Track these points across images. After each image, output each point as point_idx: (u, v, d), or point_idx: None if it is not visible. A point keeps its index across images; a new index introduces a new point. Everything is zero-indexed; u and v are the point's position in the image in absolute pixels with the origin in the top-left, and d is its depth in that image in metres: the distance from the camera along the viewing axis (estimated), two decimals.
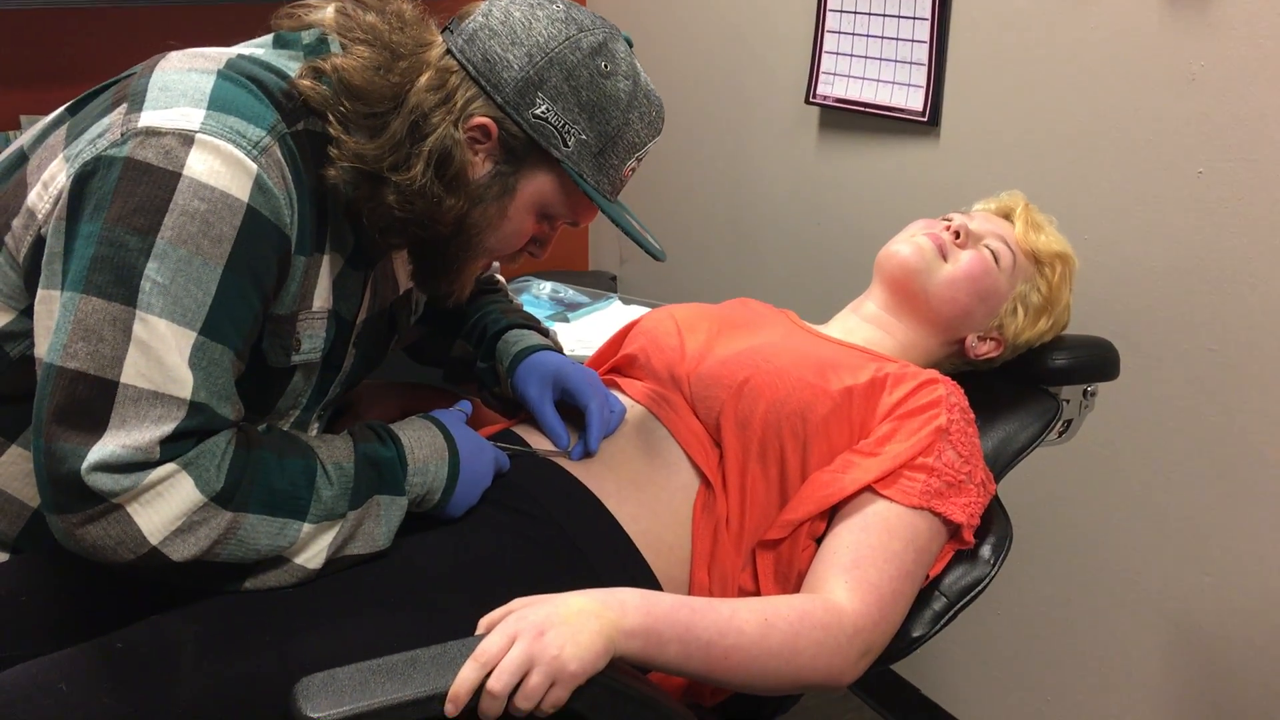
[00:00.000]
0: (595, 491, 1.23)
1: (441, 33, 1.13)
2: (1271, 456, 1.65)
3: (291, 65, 1.09)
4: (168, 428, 0.97)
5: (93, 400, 0.96)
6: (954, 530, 1.27)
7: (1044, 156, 1.86)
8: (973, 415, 1.34)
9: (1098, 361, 1.53)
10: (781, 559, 1.26)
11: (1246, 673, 1.72)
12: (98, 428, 0.96)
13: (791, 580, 1.26)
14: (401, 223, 1.11)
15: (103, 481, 0.95)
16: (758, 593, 1.25)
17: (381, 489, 1.11)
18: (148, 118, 1.00)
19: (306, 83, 1.07)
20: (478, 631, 1.00)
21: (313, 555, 1.06)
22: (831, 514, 1.26)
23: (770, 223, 2.47)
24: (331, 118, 1.06)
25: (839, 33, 2.17)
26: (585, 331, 2.03)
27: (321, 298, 1.13)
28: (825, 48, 2.20)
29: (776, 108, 2.37)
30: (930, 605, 1.27)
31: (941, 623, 1.26)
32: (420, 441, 1.15)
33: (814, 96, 2.24)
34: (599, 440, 1.27)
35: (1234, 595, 1.72)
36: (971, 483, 1.27)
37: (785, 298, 1.69)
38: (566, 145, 1.11)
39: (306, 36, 1.12)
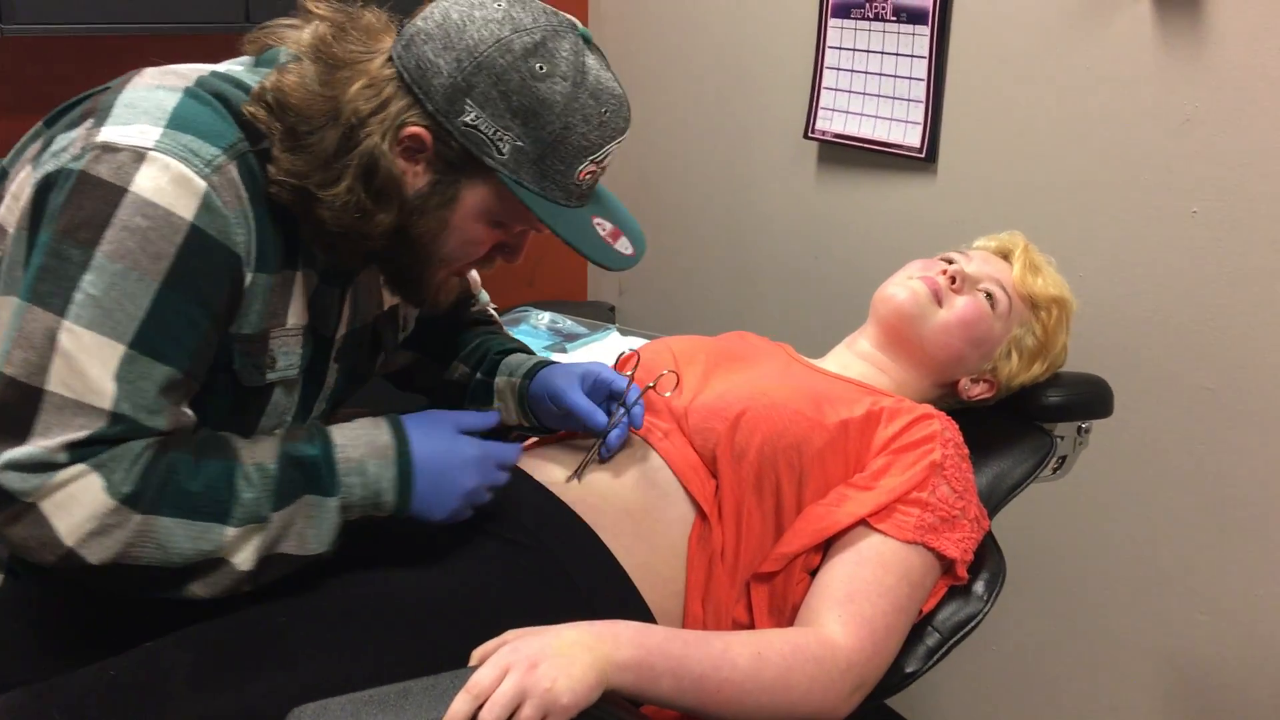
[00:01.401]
0: (590, 522, 1.23)
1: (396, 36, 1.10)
2: (1266, 495, 1.65)
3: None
4: (82, 434, 0.99)
5: (20, 405, 0.98)
6: (948, 565, 1.27)
7: (1040, 194, 1.87)
8: (967, 451, 1.35)
9: (1091, 399, 1.54)
10: (776, 592, 1.26)
11: (1241, 712, 1.72)
12: (21, 432, 0.98)
13: (786, 613, 1.26)
14: (337, 238, 1.09)
15: (11, 480, 0.97)
16: (752, 626, 1.25)
17: (309, 489, 1.08)
18: (107, 133, 1.01)
19: (250, 109, 1.06)
20: (470, 663, 0.99)
21: (243, 558, 1.05)
22: (826, 547, 1.26)
23: (769, 256, 2.48)
24: (274, 139, 1.05)
25: (838, 69, 2.19)
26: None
27: (296, 314, 1.13)
28: (824, 84, 2.22)
29: (776, 142, 2.39)
30: (924, 640, 1.27)
31: (935, 658, 1.26)
32: (357, 440, 1.11)
33: (813, 132, 2.26)
34: (642, 417, 1.27)
35: (1229, 634, 1.72)
36: (965, 518, 1.28)
37: (783, 331, 1.70)
38: (501, 153, 1.06)
39: (283, 55, 1.11)
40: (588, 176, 1.10)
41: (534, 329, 2.21)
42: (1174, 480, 1.75)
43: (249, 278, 1.06)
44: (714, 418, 1.29)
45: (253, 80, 1.09)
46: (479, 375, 1.41)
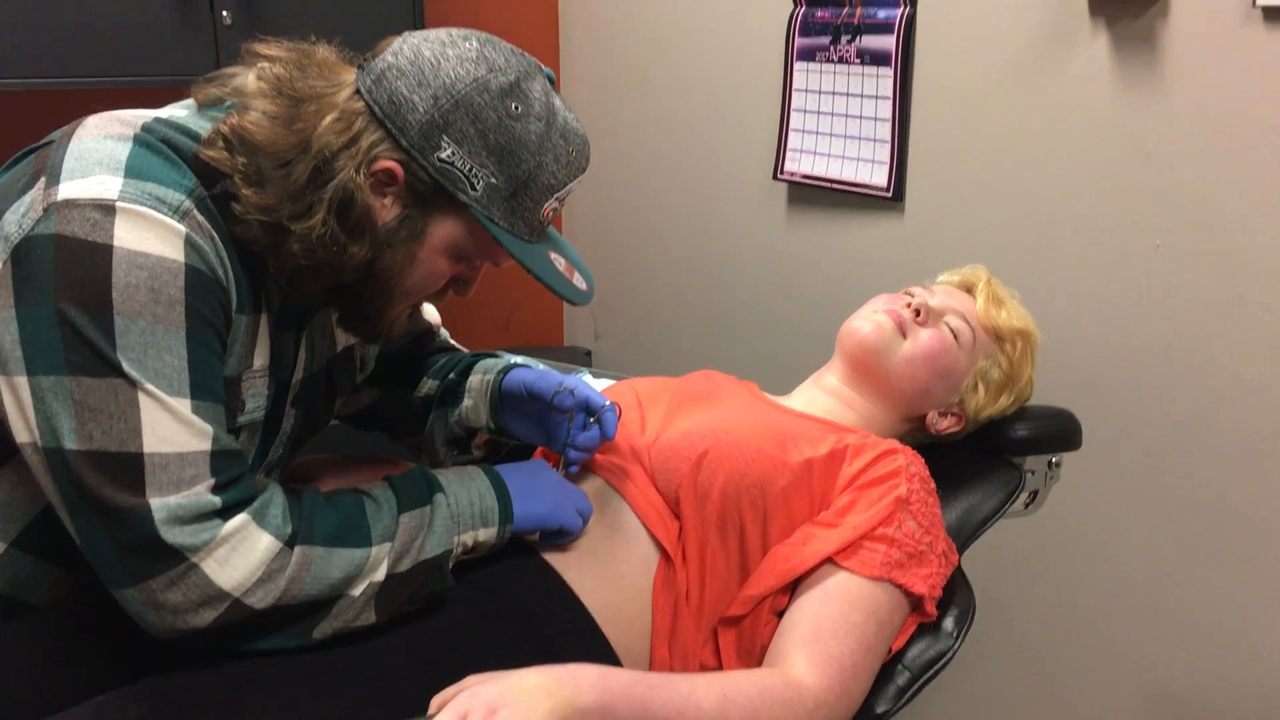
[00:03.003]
0: (554, 564, 1.22)
1: (358, 70, 1.10)
2: (1236, 526, 1.65)
3: (207, 128, 1.09)
4: (208, 480, 1.00)
5: (123, 473, 0.97)
6: (916, 602, 1.26)
7: (1005, 230, 1.89)
8: (933, 485, 1.34)
9: (1059, 432, 1.54)
10: (744, 635, 1.25)
11: None
12: (139, 495, 0.97)
13: (755, 656, 1.24)
14: (307, 271, 1.09)
15: (179, 536, 0.97)
16: (720, 669, 1.24)
17: (421, 498, 1.13)
18: (66, 189, 0.99)
19: (209, 152, 1.06)
20: (430, 710, 0.98)
21: (376, 573, 1.08)
22: (793, 587, 1.25)
23: (741, 296, 2.49)
24: (236, 178, 1.05)
25: (804, 111, 2.21)
26: None
27: (261, 357, 1.13)
28: (792, 125, 2.24)
29: (745, 184, 2.41)
30: (894, 680, 1.25)
31: (906, 697, 1.24)
32: (444, 471, 1.19)
33: (781, 173, 2.28)
34: (615, 427, 1.29)
35: (1209, 668, 1.71)
36: (933, 553, 1.27)
37: (755, 369, 1.70)
38: (474, 189, 1.07)
39: (230, 99, 1.10)
40: (550, 213, 1.13)
41: None
42: (1145, 513, 1.75)
43: (233, 314, 1.07)
44: (676, 457, 1.29)
45: (198, 126, 1.09)
46: (451, 376, 1.41)
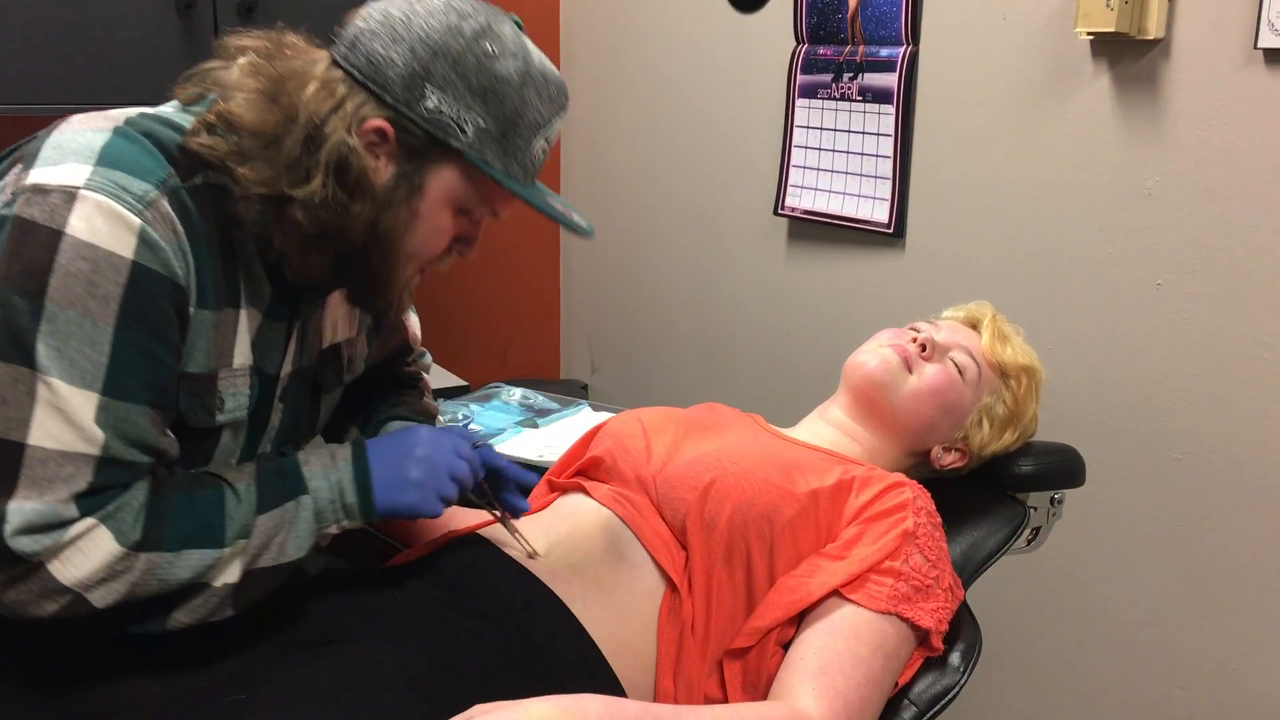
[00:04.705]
0: (560, 594, 1.21)
1: (329, 45, 1.12)
2: (1238, 566, 1.65)
3: (192, 121, 1.10)
4: (81, 484, 0.99)
5: (1, 463, 0.97)
6: (922, 636, 1.25)
7: (1006, 268, 1.90)
8: (939, 519, 1.34)
9: (1063, 469, 1.54)
10: (750, 668, 1.24)
11: None
12: (7, 489, 0.97)
13: (760, 689, 1.24)
14: (314, 239, 1.10)
15: (25, 544, 0.97)
16: (725, 701, 1.23)
17: (284, 494, 1.12)
18: (36, 175, 1.01)
19: (197, 140, 1.07)
20: None
21: (231, 573, 1.07)
22: (799, 619, 1.24)
23: (740, 332, 2.49)
24: (229, 162, 1.06)
25: (806, 147, 2.22)
26: (554, 437, 2.02)
27: (242, 355, 1.14)
28: (793, 162, 2.25)
29: (746, 220, 2.42)
30: (900, 714, 1.25)
31: None
32: (319, 452, 1.17)
33: (782, 208, 2.29)
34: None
35: (1206, 707, 1.71)
36: (939, 587, 1.26)
37: (755, 404, 1.70)
38: (465, 134, 1.08)
39: (212, 92, 1.11)
40: (540, 154, 1.15)
41: (505, 405, 2.21)
42: (1147, 552, 1.75)
43: (192, 311, 1.07)
44: (683, 487, 1.28)
45: (183, 119, 1.10)
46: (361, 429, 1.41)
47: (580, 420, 2.13)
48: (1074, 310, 1.80)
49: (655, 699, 1.22)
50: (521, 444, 1.97)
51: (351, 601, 1.22)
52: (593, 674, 1.17)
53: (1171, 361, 1.68)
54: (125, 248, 1.00)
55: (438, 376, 2.54)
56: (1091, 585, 1.83)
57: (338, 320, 1.28)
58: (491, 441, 1.90)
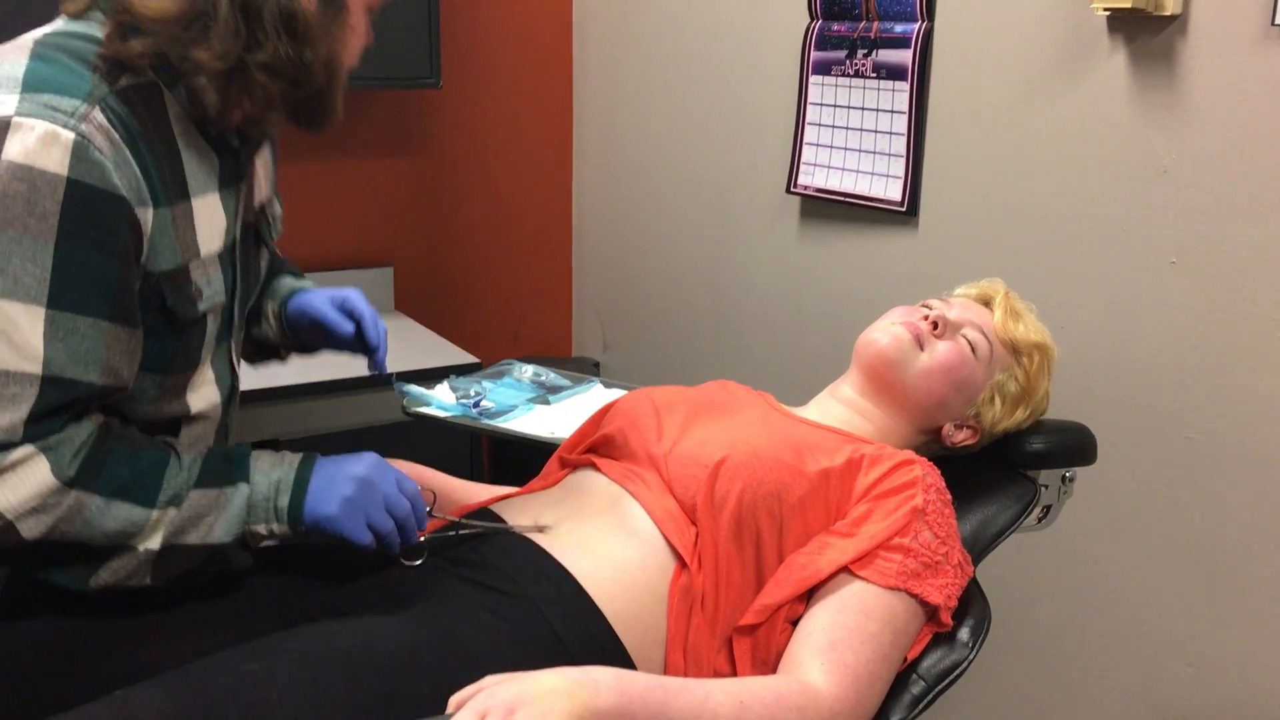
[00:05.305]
0: (571, 569, 1.22)
1: None
2: (1250, 544, 1.65)
3: (97, 30, 1.10)
4: (25, 406, 1.02)
5: None
6: (931, 612, 1.26)
7: (1020, 246, 1.89)
8: (949, 496, 1.34)
9: (1075, 446, 1.54)
10: (759, 645, 1.25)
11: None
12: None
13: (769, 665, 1.24)
14: (280, 95, 1.14)
15: None
16: (734, 677, 1.23)
17: (225, 478, 1.14)
18: None
19: (121, 46, 1.08)
20: (448, 709, 0.98)
21: (154, 541, 1.10)
22: (809, 595, 1.25)
23: (752, 310, 2.49)
24: (173, 53, 1.08)
25: (819, 125, 2.22)
26: (566, 414, 2.03)
27: (207, 243, 1.17)
28: (806, 139, 2.25)
29: (758, 198, 2.41)
30: (908, 689, 1.25)
31: (920, 706, 1.24)
32: (273, 455, 1.19)
33: (795, 187, 2.28)
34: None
35: (1216, 685, 1.71)
36: (948, 564, 1.27)
37: (766, 383, 1.70)
38: None
39: (105, 4, 1.12)
40: None
41: (517, 382, 2.21)
42: (1158, 529, 1.75)
43: (147, 215, 1.08)
44: (694, 465, 1.29)
45: (90, 29, 1.10)
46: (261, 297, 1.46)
47: (592, 398, 2.13)
48: (1087, 288, 1.79)
49: (665, 674, 1.23)
50: (533, 421, 1.97)
51: (363, 574, 1.23)
52: (603, 648, 1.18)
53: (1184, 340, 1.68)
54: (59, 165, 1.01)
55: (450, 353, 2.55)
56: (1102, 563, 1.83)
57: (261, 181, 1.32)
58: (503, 418, 1.91)
